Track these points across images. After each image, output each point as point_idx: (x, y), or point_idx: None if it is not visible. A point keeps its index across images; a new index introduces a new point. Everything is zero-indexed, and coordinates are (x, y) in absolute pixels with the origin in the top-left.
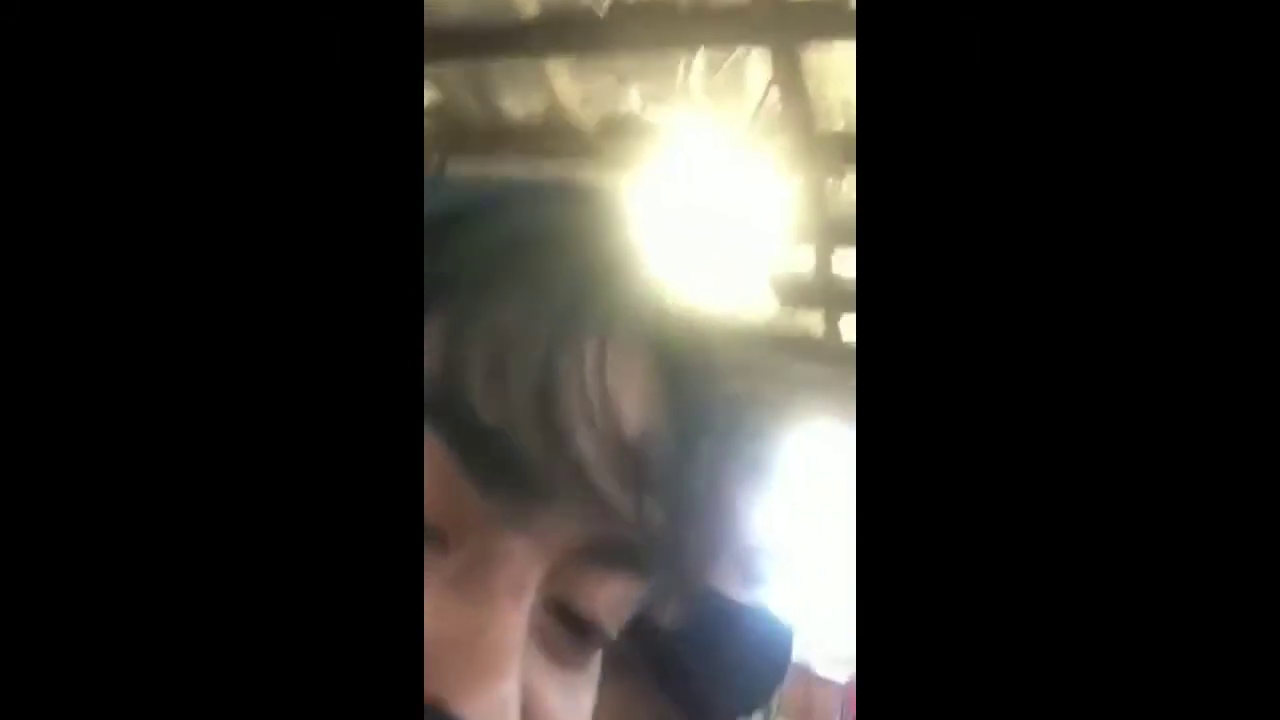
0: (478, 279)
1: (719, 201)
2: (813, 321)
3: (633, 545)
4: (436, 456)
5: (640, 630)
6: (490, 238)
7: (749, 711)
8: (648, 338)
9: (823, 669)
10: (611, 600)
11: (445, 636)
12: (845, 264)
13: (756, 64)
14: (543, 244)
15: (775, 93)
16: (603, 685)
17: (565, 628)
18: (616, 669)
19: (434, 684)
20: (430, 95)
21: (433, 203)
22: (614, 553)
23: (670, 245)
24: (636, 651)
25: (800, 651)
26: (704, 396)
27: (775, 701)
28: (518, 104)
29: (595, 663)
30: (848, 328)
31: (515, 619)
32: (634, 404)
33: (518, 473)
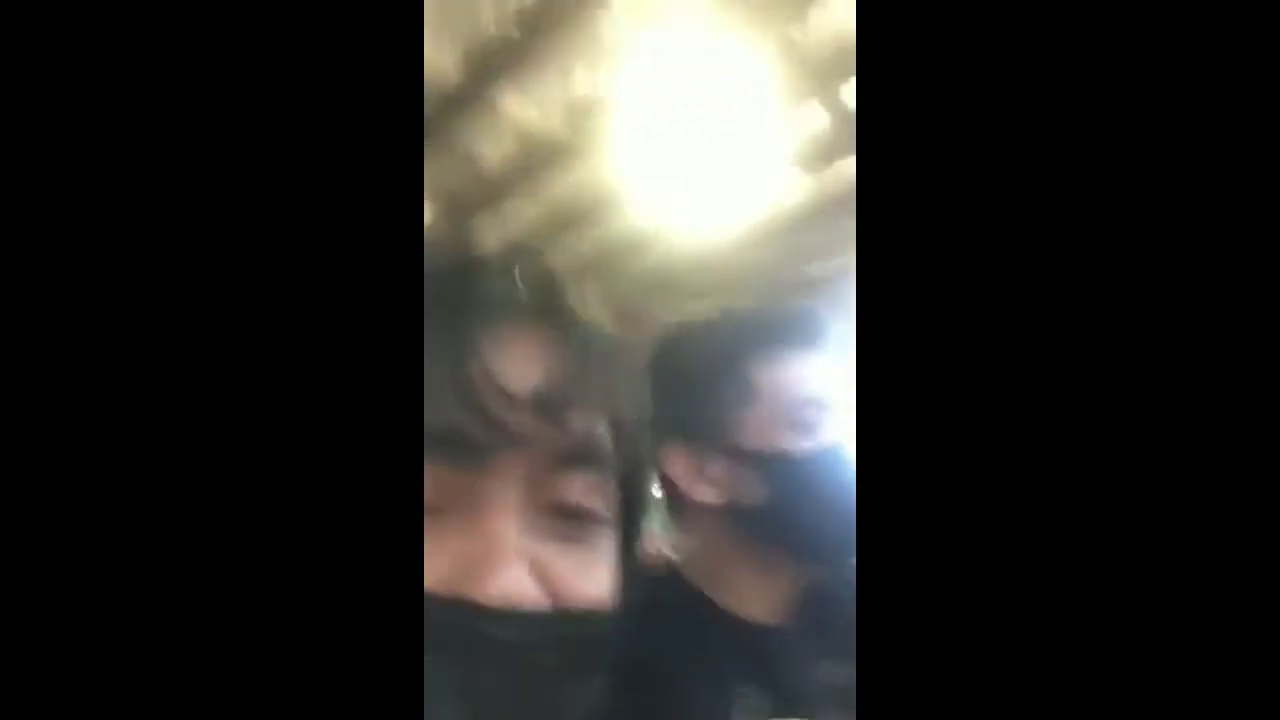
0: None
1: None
2: None
3: (590, 451)
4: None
5: (721, 502)
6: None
7: (843, 555)
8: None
9: None
10: (583, 491)
11: (456, 565)
12: None
13: None
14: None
15: None
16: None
17: (560, 518)
18: (718, 529)
19: (452, 586)
20: None
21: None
22: (576, 458)
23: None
24: (726, 519)
25: None
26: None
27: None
28: None
29: (604, 538)
30: None
31: (503, 529)
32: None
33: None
